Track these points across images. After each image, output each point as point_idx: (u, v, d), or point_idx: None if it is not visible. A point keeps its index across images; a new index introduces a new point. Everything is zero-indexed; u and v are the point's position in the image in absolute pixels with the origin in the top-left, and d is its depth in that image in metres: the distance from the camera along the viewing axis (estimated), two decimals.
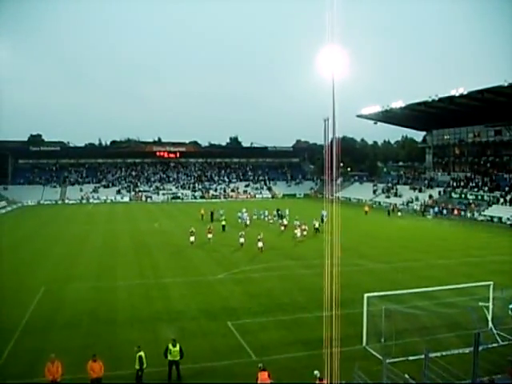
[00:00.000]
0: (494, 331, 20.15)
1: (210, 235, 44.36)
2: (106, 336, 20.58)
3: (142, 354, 16.26)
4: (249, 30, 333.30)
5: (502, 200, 66.57)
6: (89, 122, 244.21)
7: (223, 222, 53.08)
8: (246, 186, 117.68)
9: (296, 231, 46.85)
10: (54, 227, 58.18)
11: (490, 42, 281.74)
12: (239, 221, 58.39)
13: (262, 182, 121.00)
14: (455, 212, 69.08)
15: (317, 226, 50.05)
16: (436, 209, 71.54)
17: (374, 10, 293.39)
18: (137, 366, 16.13)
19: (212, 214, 62.95)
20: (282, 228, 51.05)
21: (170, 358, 16.79)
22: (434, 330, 20.86)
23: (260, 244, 40.27)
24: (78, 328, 21.81)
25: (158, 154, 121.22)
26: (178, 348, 16.83)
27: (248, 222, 56.35)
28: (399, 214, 68.85)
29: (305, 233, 47.97)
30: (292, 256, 38.71)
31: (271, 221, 59.68)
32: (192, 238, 42.85)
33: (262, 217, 63.45)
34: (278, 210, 64.18)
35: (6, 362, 18.10)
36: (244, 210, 62.07)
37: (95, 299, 26.48)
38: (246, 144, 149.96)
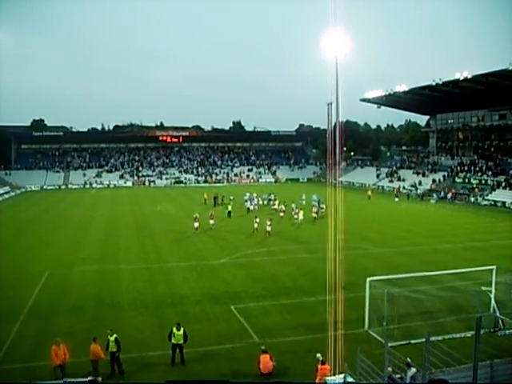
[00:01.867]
0: (498, 315, 20.17)
1: (212, 221, 43.98)
2: (111, 320, 20.66)
3: (116, 335, 16.36)
4: (252, 14, 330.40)
5: (503, 184, 66.41)
6: (91, 106, 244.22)
7: (229, 208, 52.16)
8: (249, 170, 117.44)
9: (296, 216, 46.98)
10: (58, 212, 58.36)
11: (494, 26, 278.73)
12: (245, 204, 57.70)
13: (266, 167, 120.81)
14: (449, 195, 69.20)
15: (315, 211, 49.98)
16: (442, 193, 71.32)
17: None
18: (114, 349, 16.14)
19: (215, 198, 62.79)
20: (282, 214, 50.16)
21: (173, 341, 16.89)
22: (437, 314, 20.93)
23: (269, 228, 40.49)
24: (83, 312, 21.98)
25: (160, 138, 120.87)
26: (182, 332, 16.92)
27: (252, 208, 55.76)
28: (396, 199, 67.41)
29: (319, 213, 49.44)
30: (295, 240, 38.79)
31: (275, 206, 58.86)
32: (196, 224, 42.17)
33: (266, 201, 63.13)
34: (269, 195, 63.96)
35: (12, 346, 18.27)
36: (248, 194, 61.70)
37: (99, 283, 26.65)
38: (249, 128, 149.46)
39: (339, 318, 15.31)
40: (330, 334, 14.25)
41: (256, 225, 42.18)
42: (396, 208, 61.28)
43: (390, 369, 13.69)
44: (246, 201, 58.55)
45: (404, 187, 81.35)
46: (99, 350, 15.75)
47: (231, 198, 62.13)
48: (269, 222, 40.91)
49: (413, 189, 78.65)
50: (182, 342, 16.89)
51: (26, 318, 21.13)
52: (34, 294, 24.58)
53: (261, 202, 61.14)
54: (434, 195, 71.38)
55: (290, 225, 45.78)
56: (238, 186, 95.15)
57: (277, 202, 56.37)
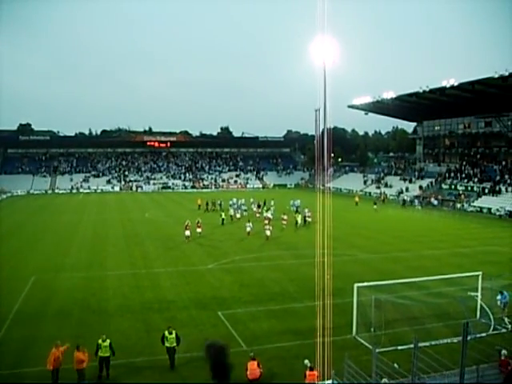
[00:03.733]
0: (490, 321, 20.33)
1: (199, 229, 42.61)
2: (97, 325, 20.49)
3: (110, 341, 16.33)
4: (240, 19, 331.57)
5: (489, 190, 67.07)
6: (79, 111, 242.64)
7: (223, 215, 50.94)
8: (237, 175, 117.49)
9: (283, 222, 47.39)
10: (45, 217, 57.80)
11: (481, 34, 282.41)
12: (230, 210, 56.11)
13: (253, 172, 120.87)
14: (435, 202, 69.83)
15: (298, 219, 49.52)
16: (423, 199, 71.90)
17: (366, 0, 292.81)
18: (107, 354, 16.10)
19: (207, 204, 62.71)
20: (266, 222, 46.36)
21: (167, 344, 16.88)
22: (424, 319, 21.05)
23: (268, 232, 40.76)
24: (69, 317, 21.77)
25: (148, 143, 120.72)
26: (174, 335, 16.94)
27: (238, 216, 53.95)
28: (374, 206, 65.20)
29: (309, 219, 49.11)
30: (283, 246, 38.76)
31: (264, 213, 57.70)
32: (187, 233, 40.28)
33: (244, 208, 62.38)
34: (264, 202, 63.83)
35: None
36: (235, 199, 61.45)
37: (86, 289, 26.41)
38: (236, 134, 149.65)
39: (327, 323, 15.34)
40: (317, 340, 14.27)
41: (249, 229, 42.34)
42: (383, 214, 61.50)
43: (385, 380, 13.64)
44: (231, 205, 57.76)
45: (385, 193, 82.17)
46: (83, 357, 15.58)
47: (218, 202, 62.37)
48: (268, 227, 41.18)
49: (400, 195, 79.21)
50: (174, 345, 16.89)
51: (11, 324, 20.86)
52: (20, 299, 24.29)
53: (255, 209, 60.19)
54: (416, 201, 71.90)
55: (278, 231, 45.69)
56: (226, 192, 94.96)
57: (265, 209, 56.04)
